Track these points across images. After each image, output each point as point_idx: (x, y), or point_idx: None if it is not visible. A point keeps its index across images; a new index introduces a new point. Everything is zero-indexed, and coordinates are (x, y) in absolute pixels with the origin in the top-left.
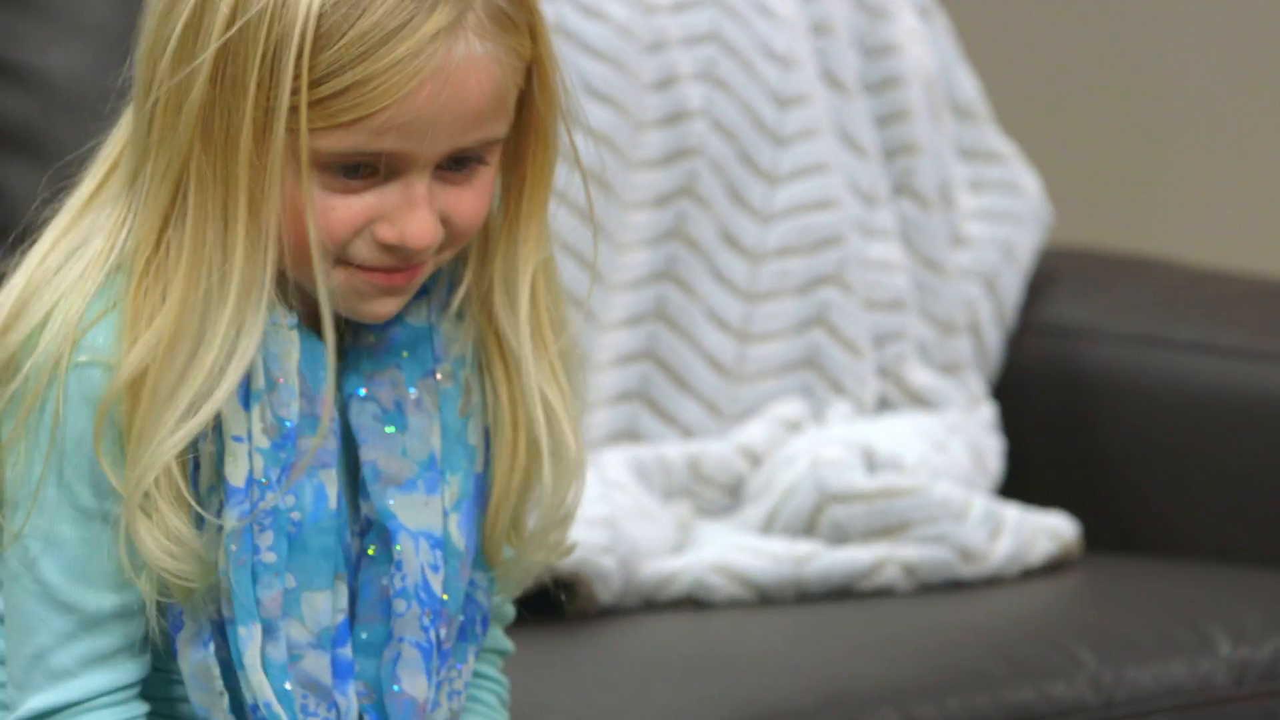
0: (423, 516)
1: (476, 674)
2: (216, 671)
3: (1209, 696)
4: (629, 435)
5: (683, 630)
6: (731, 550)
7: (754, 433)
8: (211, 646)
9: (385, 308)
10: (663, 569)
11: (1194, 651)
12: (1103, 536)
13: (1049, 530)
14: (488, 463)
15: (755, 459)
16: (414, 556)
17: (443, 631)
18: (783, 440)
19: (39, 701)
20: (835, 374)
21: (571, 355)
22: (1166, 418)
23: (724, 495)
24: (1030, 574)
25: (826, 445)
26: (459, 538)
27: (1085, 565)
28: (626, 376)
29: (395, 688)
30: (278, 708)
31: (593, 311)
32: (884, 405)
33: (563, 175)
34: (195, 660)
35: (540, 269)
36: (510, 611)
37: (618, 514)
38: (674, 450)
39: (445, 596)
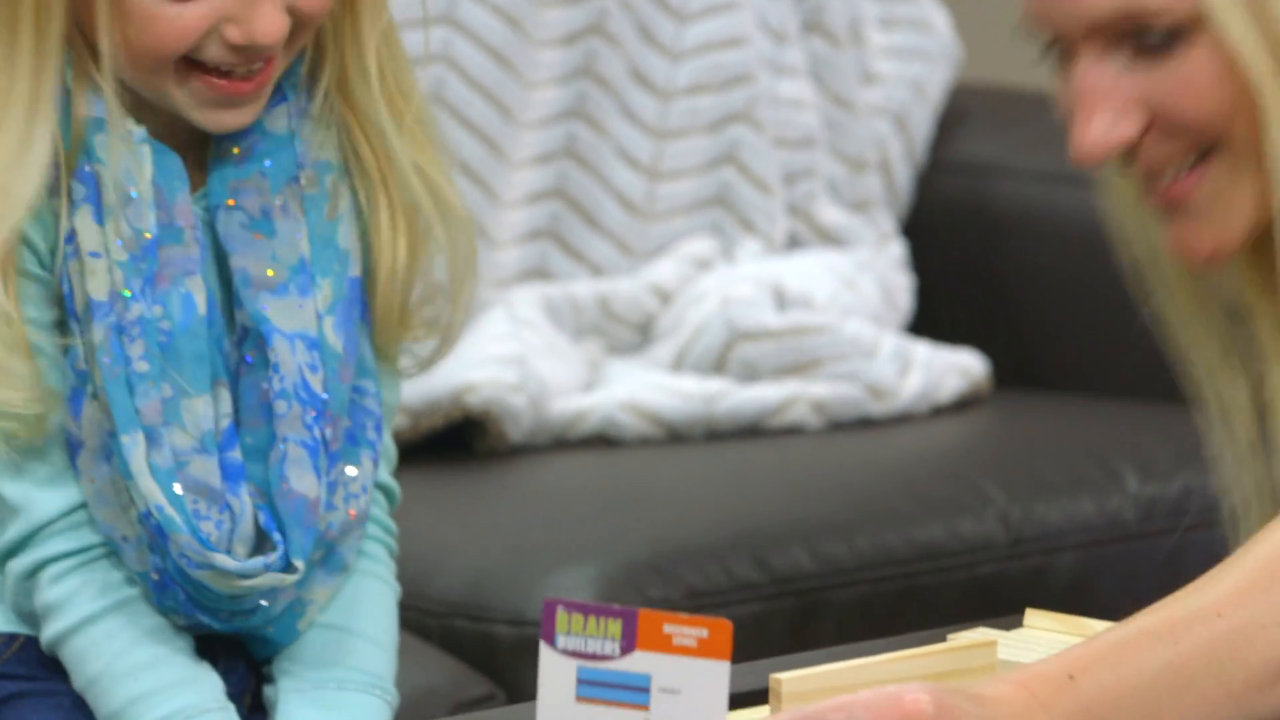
0: (296, 319)
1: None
2: (123, 485)
3: (1117, 533)
4: (539, 273)
5: (593, 468)
6: (641, 388)
7: (664, 271)
8: (114, 460)
9: (239, 118)
10: (573, 407)
11: (1102, 488)
12: (1012, 373)
13: (958, 367)
14: (367, 269)
15: (665, 297)
16: (290, 358)
17: (328, 432)
18: (693, 278)
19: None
20: (745, 212)
21: (428, 117)
22: (1076, 255)
23: (634, 333)
24: (940, 411)
25: (736, 283)
26: (335, 340)
27: (994, 402)
28: (536, 215)
29: (284, 486)
30: (170, 510)
31: (503, 151)
32: (794, 243)
33: (471, 13)
34: (99, 477)
35: (382, 38)
36: (393, 450)
37: (528, 352)
38: (584, 288)
39: (326, 396)
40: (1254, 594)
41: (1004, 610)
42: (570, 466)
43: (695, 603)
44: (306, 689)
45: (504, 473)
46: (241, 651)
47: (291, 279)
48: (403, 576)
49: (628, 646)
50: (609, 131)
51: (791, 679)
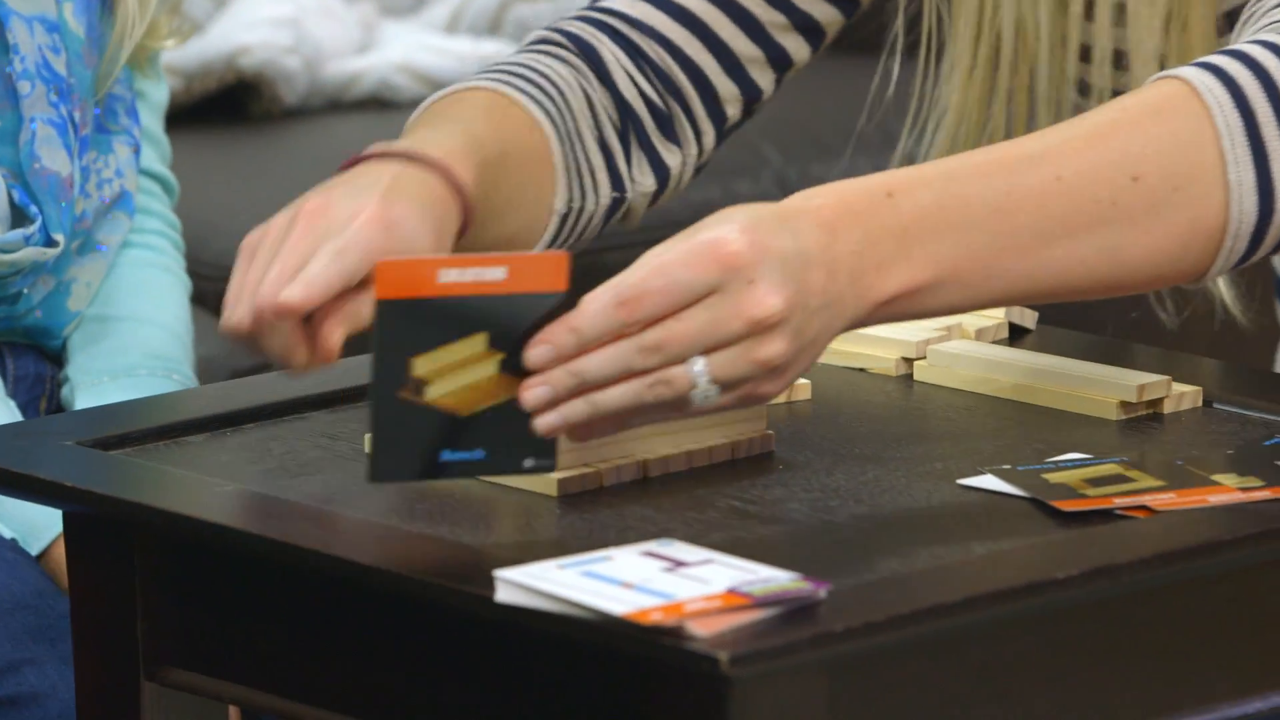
0: (34, 4)
1: (144, 210)
2: None
3: None
4: None
5: (368, 131)
6: (416, 49)
7: None
8: None
9: None
10: (347, 69)
11: (881, 144)
12: None
13: None
14: None
15: None
16: (29, 39)
17: (77, 114)
18: None
19: None
20: None
21: None
22: None
23: None
24: None
25: None
26: (76, 24)
27: None
28: None
29: (36, 166)
30: None
31: None
32: None
33: None
34: None
35: None
36: (167, 144)
37: (301, 14)
38: None
39: (72, 80)
40: (1086, 149)
41: None
42: (345, 129)
43: None
44: (103, 380)
45: (279, 135)
46: (31, 360)
47: None
48: None
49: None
50: None
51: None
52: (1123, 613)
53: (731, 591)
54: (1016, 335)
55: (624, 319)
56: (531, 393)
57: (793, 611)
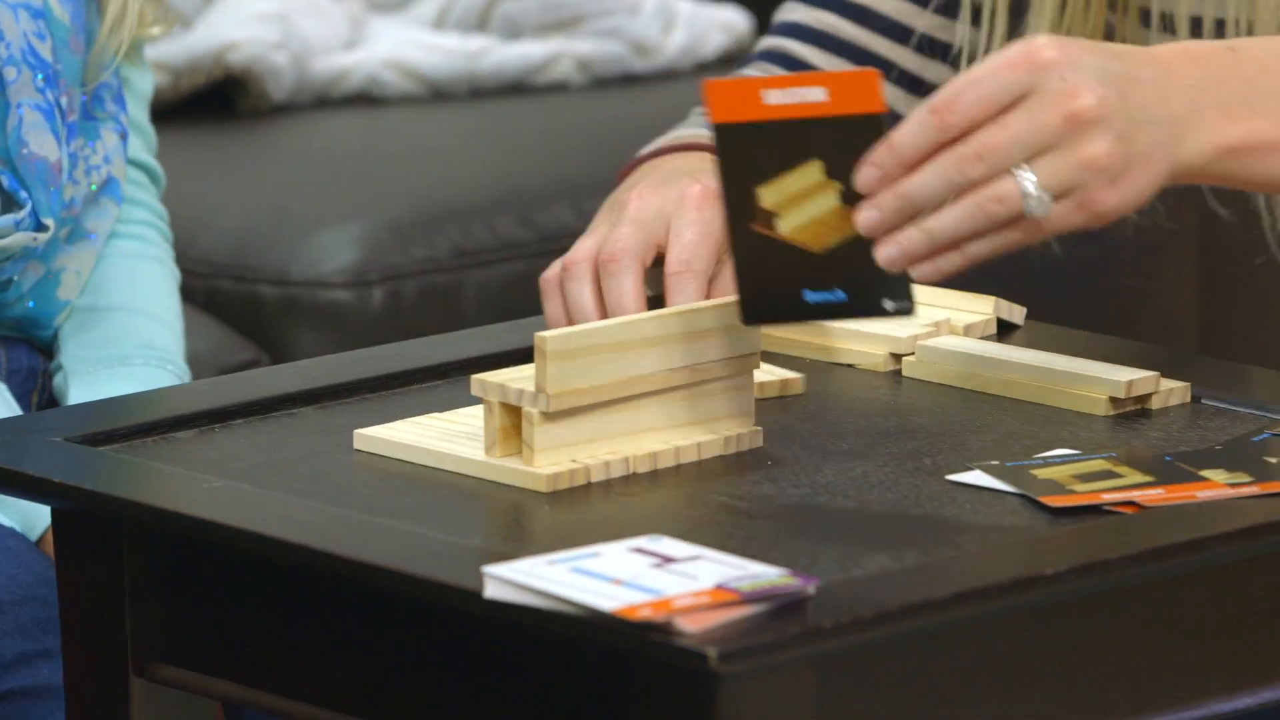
0: None
1: (131, 200)
2: None
3: None
4: None
5: (357, 127)
6: (404, 45)
7: None
8: None
9: None
10: (335, 65)
11: None
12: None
13: (722, 23)
14: None
15: None
16: (14, 25)
17: (64, 100)
18: None
19: None
20: None
21: None
22: None
23: None
24: (704, 67)
25: None
26: (61, 11)
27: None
28: None
29: (24, 151)
30: None
31: None
32: None
33: None
34: None
35: None
36: (153, 134)
37: (289, 10)
38: None
39: (59, 66)
40: None
41: None
42: (333, 125)
43: (461, 261)
44: (97, 369)
45: (266, 132)
46: (24, 353)
47: None
48: None
49: None
50: None
51: (556, 337)
52: (1112, 608)
53: (720, 587)
54: (1005, 331)
55: (938, 125)
56: (862, 216)
57: (781, 607)
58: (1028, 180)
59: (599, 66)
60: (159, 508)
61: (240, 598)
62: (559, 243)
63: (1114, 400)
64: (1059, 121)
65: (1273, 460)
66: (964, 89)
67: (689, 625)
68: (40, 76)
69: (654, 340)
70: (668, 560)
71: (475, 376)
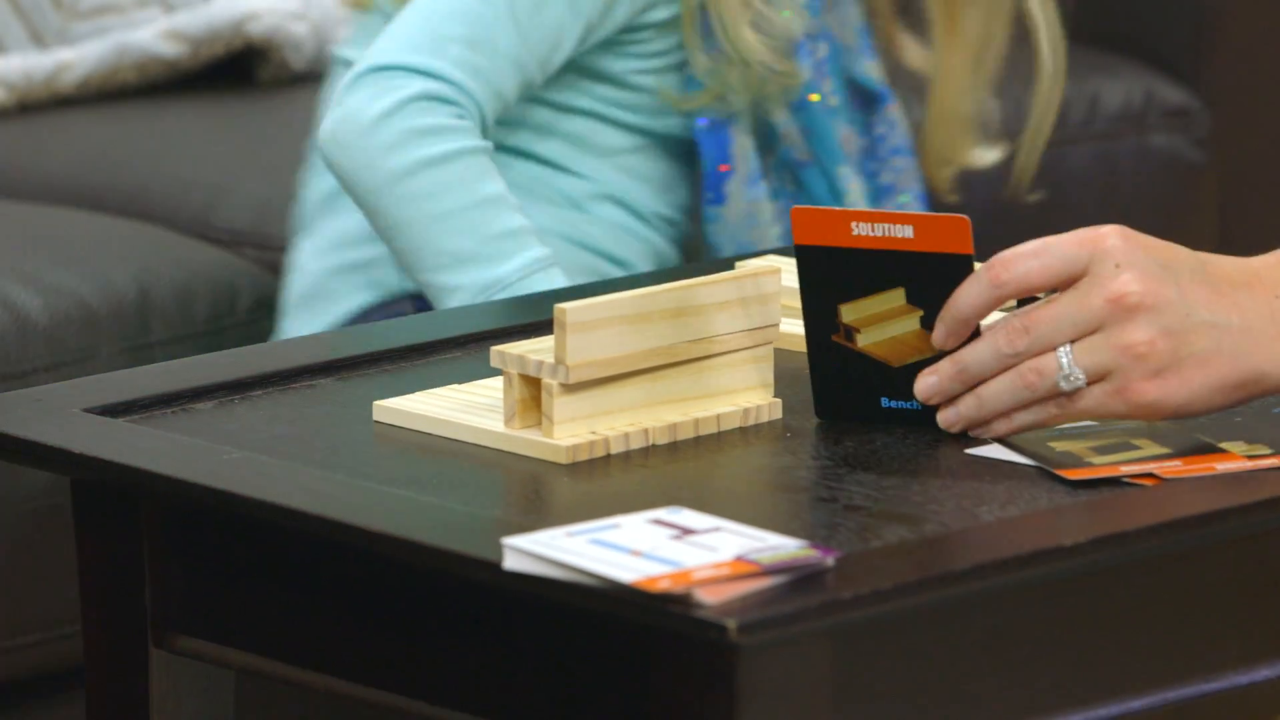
0: None
1: None
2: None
3: None
4: None
5: None
6: None
7: None
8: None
9: None
10: None
11: None
12: None
13: None
14: None
15: None
16: None
17: None
18: None
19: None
20: None
21: None
22: None
23: None
24: None
25: None
26: None
27: None
28: None
29: None
30: None
31: None
32: None
33: None
34: (747, 199)
35: None
36: None
37: None
38: None
39: None
40: None
41: None
42: None
43: None
44: None
45: (287, 102)
46: None
47: None
48: (187, 207)
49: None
50: None
51: (575, 308)
52: (1130, 580)
53: (739, 559)
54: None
55: (991, 280)
56: (922, 383)
57: (800, 579)
58: (1064, 356)
59: None
60: (178, 479)
61: (259, 569)
62: None
63: None
64: (1101, 304)
65: None
66: (1025, 252)
67: (708, 597)
68: None
69: (673, 312)
70: (687, 532)
71: (495, 348)
